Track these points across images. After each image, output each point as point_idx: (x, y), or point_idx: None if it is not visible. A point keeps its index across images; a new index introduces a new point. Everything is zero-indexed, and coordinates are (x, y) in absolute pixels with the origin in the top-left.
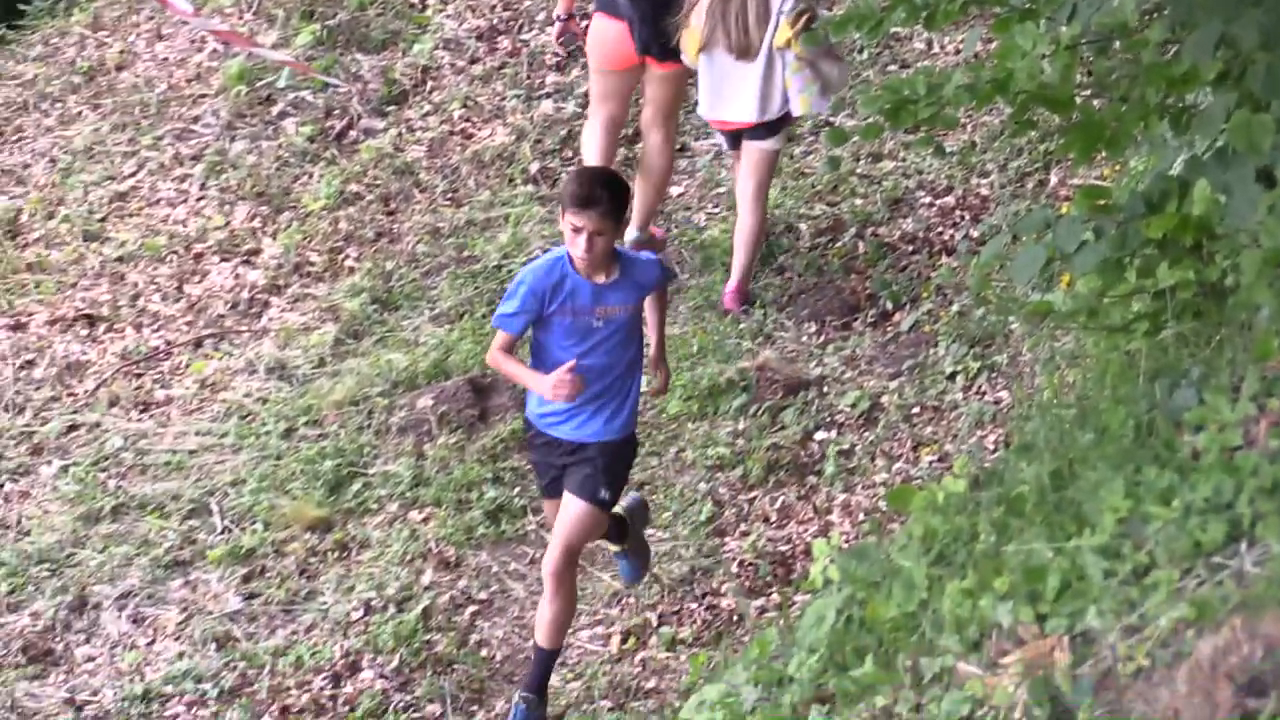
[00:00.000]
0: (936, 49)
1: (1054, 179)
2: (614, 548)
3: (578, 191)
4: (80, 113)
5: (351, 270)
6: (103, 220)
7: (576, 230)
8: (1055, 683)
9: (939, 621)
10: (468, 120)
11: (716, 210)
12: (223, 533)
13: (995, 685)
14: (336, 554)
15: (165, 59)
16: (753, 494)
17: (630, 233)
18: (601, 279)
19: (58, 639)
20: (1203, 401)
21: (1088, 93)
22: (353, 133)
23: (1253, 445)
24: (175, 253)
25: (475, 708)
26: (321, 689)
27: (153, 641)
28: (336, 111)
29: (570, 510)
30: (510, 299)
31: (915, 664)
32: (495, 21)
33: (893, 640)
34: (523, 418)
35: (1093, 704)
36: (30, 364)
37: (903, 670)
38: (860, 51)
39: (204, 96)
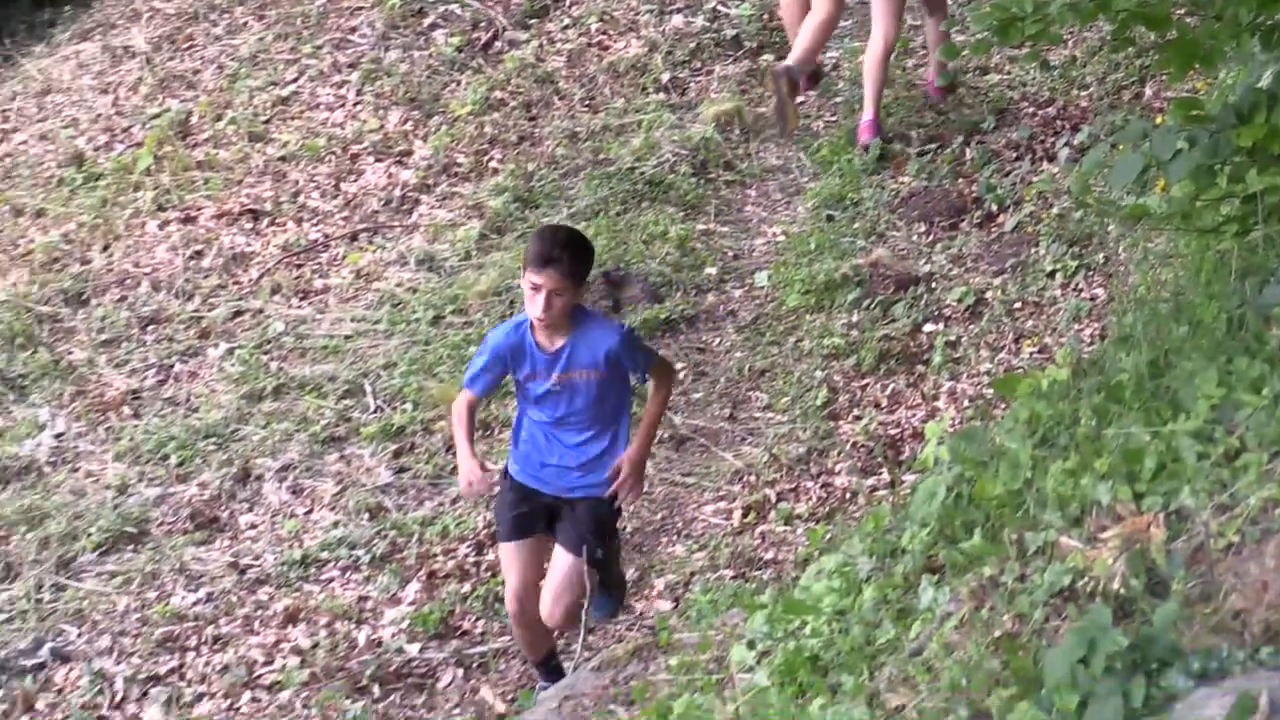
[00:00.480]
0: None
1: (1149, 92)
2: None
3: (539, 250)
4: (246, 23)
5: (495, 171)
6: (266, 122)
7: (535, 288)
8: (1151, 556)
9: (1042, 499)
10: (604, 33)
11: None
12: (375, 411)
13: (1095, 558)
14: (479, 432)
15: None
16: (865, 381)
17: (790, 61)
18: (557, 343)
19: (223, 508)
20: None
21: (1183, 11)
22: (497, 44)
23: None
24: (333, 153)
25: None
26: (465, 556)
27: (310, 511)
28: (483, 24)
29: (565, 569)
30: (478, 357)
31: (1020, 538)
32: None
33: (999, 516)
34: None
35: (1185, 576)
36: (199, 254)
37: (1008, 543)
38: None
39: (360, 9)
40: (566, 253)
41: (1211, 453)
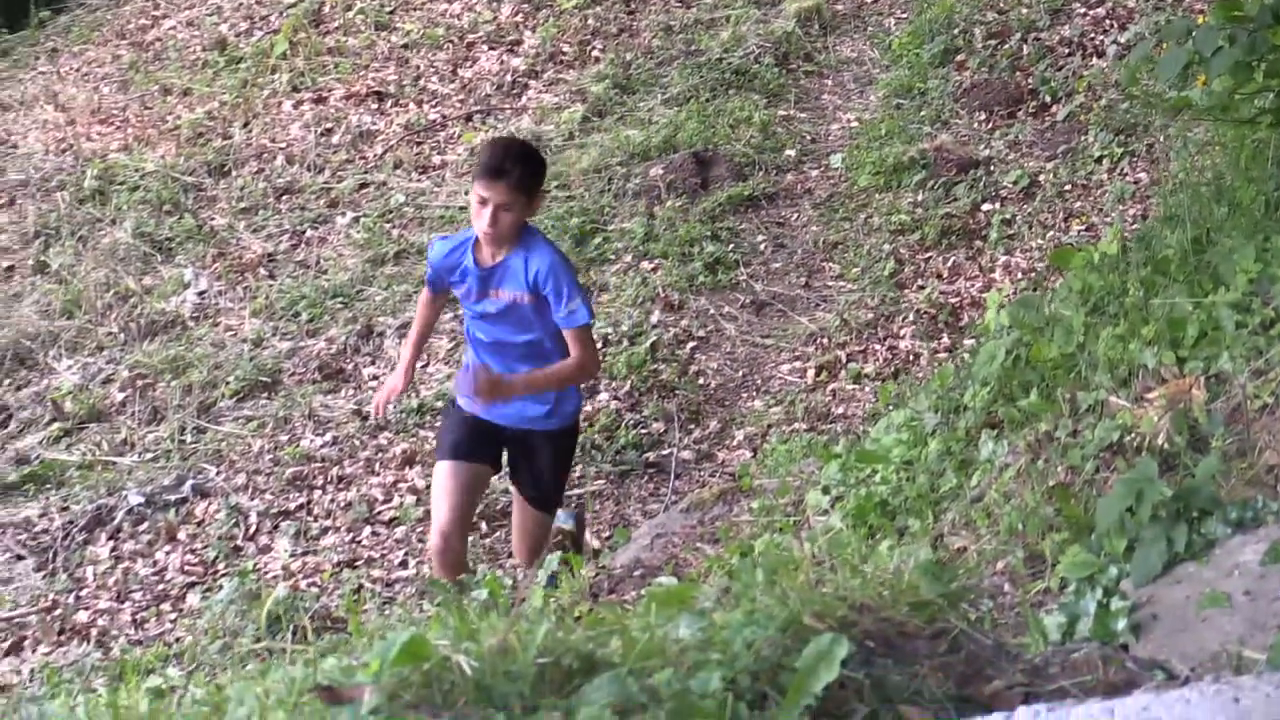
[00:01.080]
0: None
1: None
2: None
3: (488, 162)
4: None
5: (597, 60)
6: (391, 13)
7: (483, 202)
8: (1192, 416)
9: (1093, 362)
10: None
11: None
12: None
13: (1141, 416)
14: None
15: None
16: (928, 254)
17: None
18: (495, 260)
19: (348, 360)
20: None
21: None
22: None
23: None
24: (451, 41)
25: (693, 426)
26: None
27: (426, 364)
28: None
29: (529, 519)
30: (428, 259)
31: (1073, 397)
32: None
33: (1053, 377)
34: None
35: (1224, 434)
36: (329, 132)
37: (1062, 402)
38: None
39: None
40: (518, 166)
41: (1249, 322)
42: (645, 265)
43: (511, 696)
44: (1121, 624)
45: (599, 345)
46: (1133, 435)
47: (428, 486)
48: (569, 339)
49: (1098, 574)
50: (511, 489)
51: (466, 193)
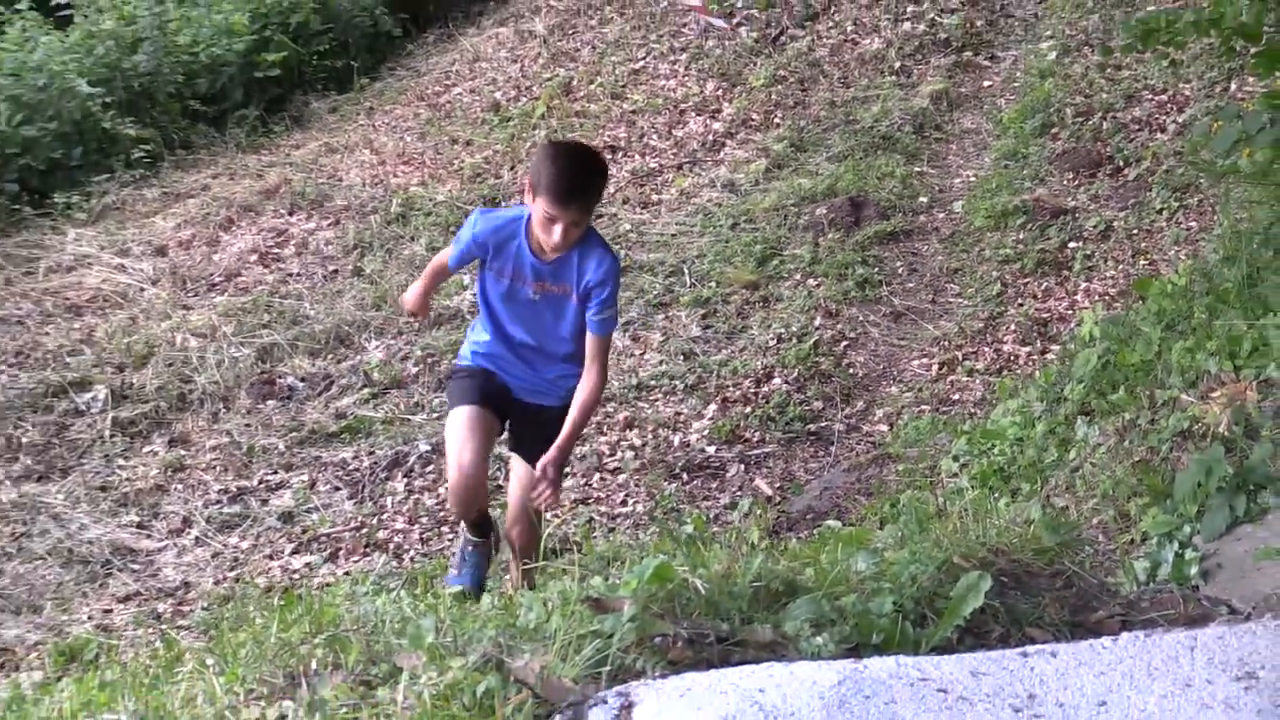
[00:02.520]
0: None
1: (1234, 86)
2: (476, 539)
3: (565, 183)
4: (612, 18)
5: (777, 125)
6: (624, 87)
7: (551, 219)
8: (1248, 411)
9: (1168, 367)
10: (855, 33)
11: None
12: (690, 286)
13: (1207, 410)
14: (760, 303)
15: None
16: (1026, 280)
17: None
18: (553, 254)
19: None
20: None
21: (1271, 29)
22: (782, 38)
23: None
24: (667, 109)
25: (845, 405)
26: (748, 388)
27: (644, 353)
28: (773, 24)
29: (527, 478)
30: (463, 230)
31: (1151, 394)
32: None
33: (1135, 378)
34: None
35: (1273, 425)
36: None
37: (1142, 397)
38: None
39: (690, 9)
40: (593, 187)
41: None
42: (810, 282)
43: (733, 611)
44: (1194, 570)
45: (773, 344)
46: (1199, 425)
47: (642, 445)
48: (592, 343)
49: (1174, 531)
50: (514, 463)
51: (675, 224)
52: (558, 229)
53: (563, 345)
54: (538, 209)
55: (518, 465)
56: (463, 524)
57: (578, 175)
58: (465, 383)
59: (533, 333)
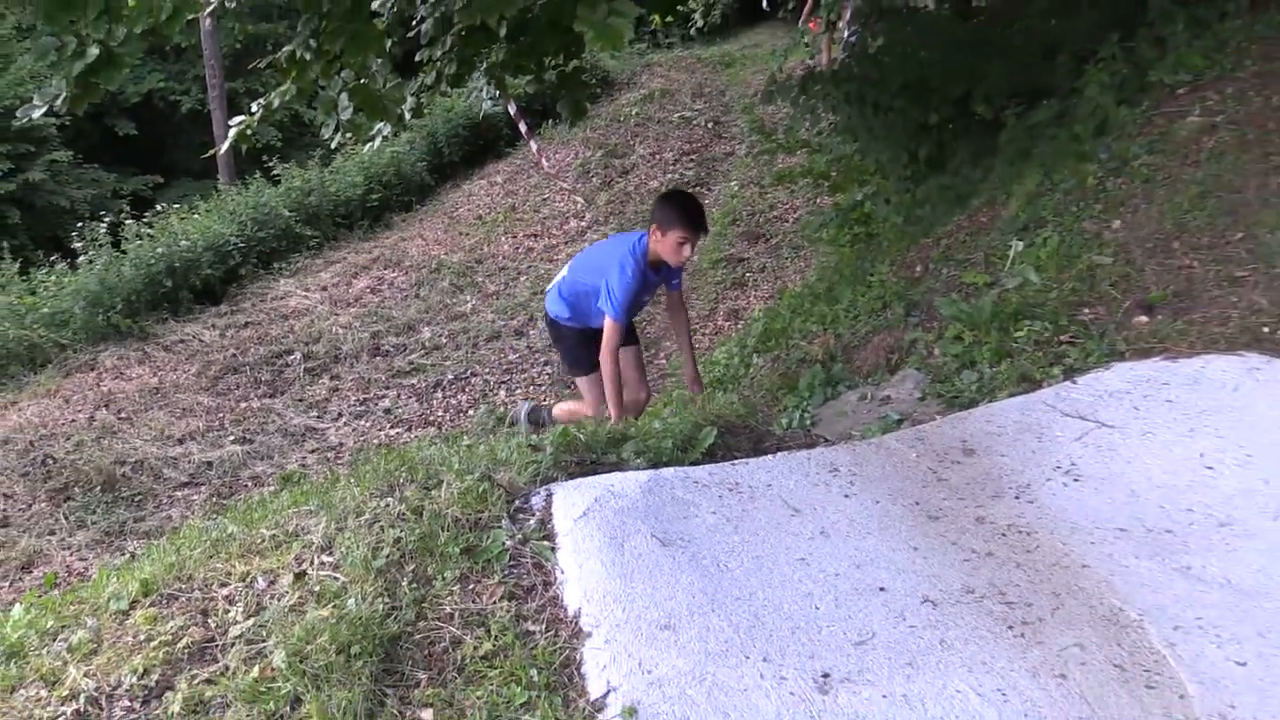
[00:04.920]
0: None
1: (820, 199)
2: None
3: (693, 219)
4: (531, 174)
5: (609, 221)
6: (538, 206)
7: (684, 243)
8: (829, 349)
9: (793, 330)
10: (649, 177)
11: None
12: None
13: (811, 349)
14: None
15: None
16: (729, 291)
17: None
18: (663, 270)
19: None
20: None
21: (837, 175)
22: (610, 181)
23: None
24: (555, 217)
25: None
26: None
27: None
28: (595, 173)
29: (634, 351)
30: (620, 299)
31: (786, 342)
32: None
33: (779, 335)
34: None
35: (841, 356)
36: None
37: (783, 343)
38: None
39: (547, 175)
40: (705, 216)
41: (840, 316)
42: None
43: (597, 448)
44: (809, 422)
45: None
46: (809, 355)
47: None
48: (676, 296)
49: (799, 404)
50: (624, 358)
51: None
52: (688, 249)
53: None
54: (671, 239)
55: (629, 353)
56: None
57: (700, 209)
58: (578, 348)
59: (641, 308)
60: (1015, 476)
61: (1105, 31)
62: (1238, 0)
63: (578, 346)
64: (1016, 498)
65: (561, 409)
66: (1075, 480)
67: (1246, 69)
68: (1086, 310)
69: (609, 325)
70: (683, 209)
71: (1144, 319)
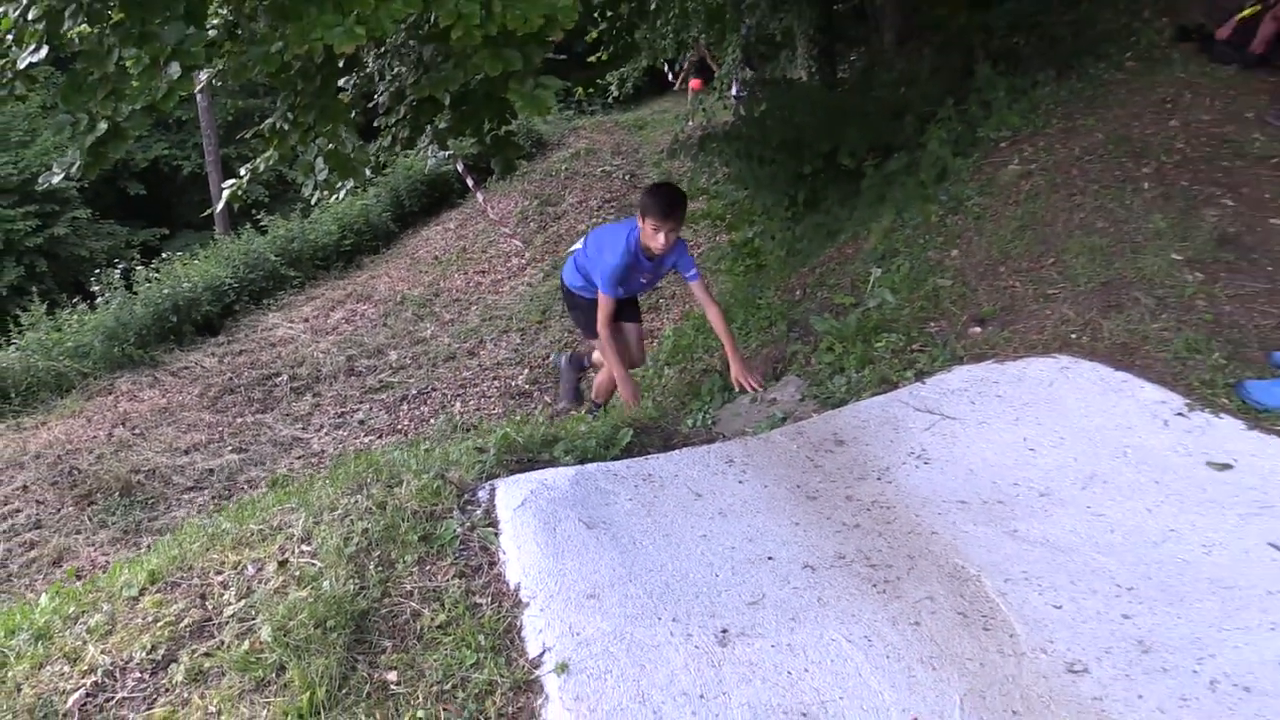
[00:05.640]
0: None
1: (720, 238)
2: (577, 370)
3: (665, 208)
4: (479, 222)
5: (542, 260)
6: (485, 248)
7: (657, 230)
8: (698, 366)
9: (697, 345)
10: (566, 235)
11: None
12: (508, 322)
13: (711, 362)
14: (539, 329)
15: None
16: (650, 315)
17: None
18: (660, 255)
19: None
20: None
21: (732, 215)
22: (544, 234)
23: None
24: (501, 256)
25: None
26: (535, 366)
27: (493, 351)
28: (532, 227)
29: (638, 331)
30: (610, 277)
31: (690, 355)
32: None
33: (686, 350)
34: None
35: (724, 368)
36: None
37: (689, 357)
38: None
39: (505, 235)
40: (681, 206)
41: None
42: (567, 320)
43: (534, 448)
44: (710, 422)
45: (540, 348)
46: (709, 367)
47: (498, 386)
48: (698, 288)
49: (702, 407)
50: (626, 330)
51: (505, 301)
52: (662, 236)
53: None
54: (648, 226)
55: (633, 327)
56: (596, 399)
57: (672, 200)
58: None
59: (640, 288)
60: (877, 461)
61: (942, 97)
62: (1046, 71)
63: (589, 312)
64: (878, 479)
65: (601, 377)
66: (925, 463)
67: (1054, 126)
68: (932, 324)
69: (600, 298)
70: (655, 199)
71: (978, 330)
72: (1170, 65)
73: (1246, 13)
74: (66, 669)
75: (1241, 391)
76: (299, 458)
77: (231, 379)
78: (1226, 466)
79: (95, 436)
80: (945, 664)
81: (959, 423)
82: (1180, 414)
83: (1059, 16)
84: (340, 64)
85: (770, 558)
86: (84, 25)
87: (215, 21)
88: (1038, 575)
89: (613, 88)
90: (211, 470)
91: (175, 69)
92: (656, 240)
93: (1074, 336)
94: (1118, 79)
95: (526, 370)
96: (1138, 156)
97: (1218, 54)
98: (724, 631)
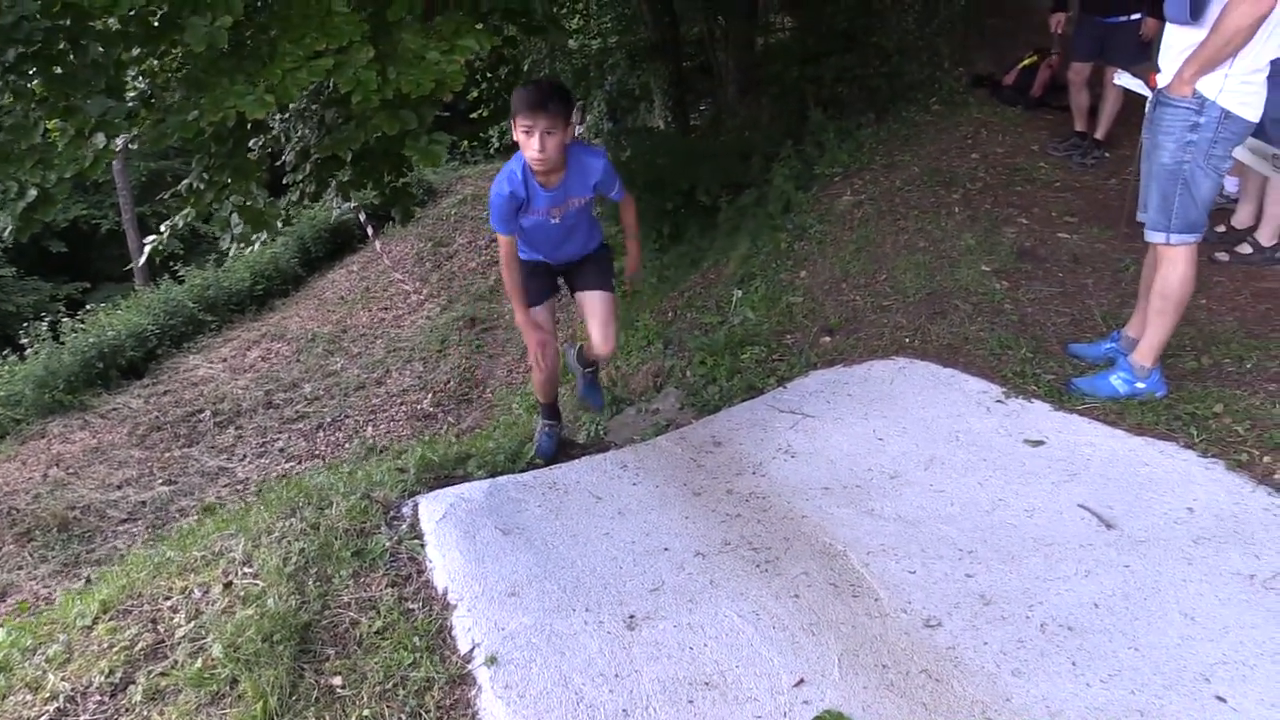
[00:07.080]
0: None
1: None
2: (585, 369)
3: (528, 97)
4: (385, 268)
5: (439, 297)
6: (387, 287)
7: (528, 132)
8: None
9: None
10: (470, 277)
11: None
12: (411, 352)
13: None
14: (439, 356)
15: None
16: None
17: None
18: (555, 181)
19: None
20: None
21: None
22: (441, 269)
23: None
24: (401, 294)
25: (479, 388)
26: (447, 388)
27: (399, 379)
28: (433, 269)
29: (599, 299)
30: (500, 210)
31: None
32: None
33: None
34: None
35: (643, 396)
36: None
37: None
38: None
39: (396, 280)
40: (553, 97)
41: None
42: (469, 345)
43: (449, 465)
44: (603, 433)
45: (446, 370)
46: (625, 383)
47: (405, 410)
48: (622, 206)
49: (594, 420)
50: (580, 299)
51: (406, 335)
52: (535, 140)
53: (585, 223)
54: (519, 130)
55: (591, 295)
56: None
57: (538, 90)
58: (535, 282)
59: (563, 236)
60: (751, 458)
61: (782, 139)
62: (867, 115)
63: (528, 278)
64: (753, 473)
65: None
66: (792, 457)
67: (877, 162)
68: (789, 336)
69: (499, 238)
70: (521, 91)
71: (827, 339)
72: (968, 107)
73: (1026, 62)
74: (29, 698)
75: (1071, 388)
76: (225, 486)
77: (158, 417)
78: (1040, 443)
79: (31, 478)
80: (823, 629)
81: (818, 420)
82: (1000, 401)
83: (875, 68)
84: (249, 127)
85: (666, 549)
86: (9, 98)
87: (132, 93)
88: (893, 547)
89: (494, 140)
90: (144, 502)
91: (100, 139)
92: (530, 147)
93: (908, 340)
94: (926, 120)
95: (430, 395)
96: (948, 185)
97: (1005, 97)
98: (631, 617)
